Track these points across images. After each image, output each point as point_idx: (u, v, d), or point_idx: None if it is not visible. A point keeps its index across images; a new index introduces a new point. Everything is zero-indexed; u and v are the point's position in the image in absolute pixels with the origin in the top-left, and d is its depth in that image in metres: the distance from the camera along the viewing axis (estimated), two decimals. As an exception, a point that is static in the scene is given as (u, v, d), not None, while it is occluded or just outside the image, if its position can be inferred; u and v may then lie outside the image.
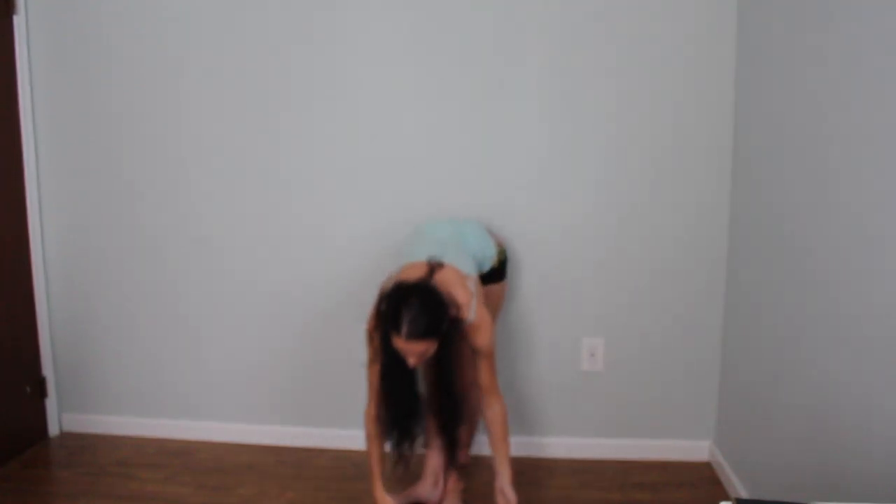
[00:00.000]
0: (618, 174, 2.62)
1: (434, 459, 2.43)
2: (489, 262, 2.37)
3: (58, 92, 2.79)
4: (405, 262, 2.17)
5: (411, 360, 1.97)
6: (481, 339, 2.09)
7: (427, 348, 1.95)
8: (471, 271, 2.18)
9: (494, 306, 2.40)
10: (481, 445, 2.77)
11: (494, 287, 2.39)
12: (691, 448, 2.73)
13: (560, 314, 2.71)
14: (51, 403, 2.92)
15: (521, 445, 2.76)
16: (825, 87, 1.82)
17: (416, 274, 2.05)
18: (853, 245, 1.67)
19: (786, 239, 2.07)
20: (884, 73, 1.53)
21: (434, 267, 2.09)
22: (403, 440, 2.15)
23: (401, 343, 1.93)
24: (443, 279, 2.05)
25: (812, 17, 1.91)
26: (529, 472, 2.64)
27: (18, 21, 2.70)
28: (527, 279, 2.69)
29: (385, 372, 2.06)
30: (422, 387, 2.21)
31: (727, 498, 2.42)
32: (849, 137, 1.69)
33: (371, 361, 2.12)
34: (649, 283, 2.66)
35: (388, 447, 2.18)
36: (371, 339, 2.10)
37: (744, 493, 2.35)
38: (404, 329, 1.90)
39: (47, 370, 2.90)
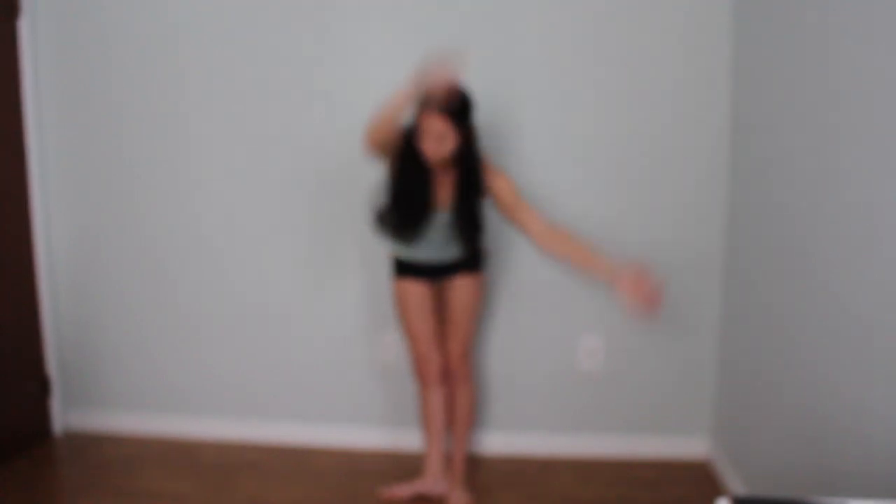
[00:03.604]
0: (617, 172, 2.64)
1: (434, 454, 2.46)
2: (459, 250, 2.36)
3: (62, 94, 2.81)
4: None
5: (429, 143, 2.06)
6: (503, 182, 2.20)
7: (448, 134, 2.05)
8: None
9: (470, 303, 2.38)
10: (481, 445, 2.79)
11: (467, 281, 2.36)
12: (689, 446, 2.75)
13: (559, 313, 2.72)
14: (55, 402, 2.94)
15: (520, 444, 2.78)
16: (823, 85, 1.84)
17: None
18: (850, 243, 1.68)
19: (784, 238, 2.08)
20: (882, 73, 1.54)
21: None
22: (408, 231, 2.23)
23: (429, 118, 2.04)
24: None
25: (810, 17, 1.92)
26: (528, 470, 2.66)
27: (23, 24, 2.73)
28: (526, 278, 2.71)
29: (400, 166, 2.17)
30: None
31: (725, 495, 2.43)
32: (847, 136, 1.71)
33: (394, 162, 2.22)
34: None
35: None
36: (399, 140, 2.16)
37: (741, 491, 2.36)
38: (436, 103, 2.01)
39: (51, 369, 2.92)
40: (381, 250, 2.65)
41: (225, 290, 2.84)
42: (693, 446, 2.75)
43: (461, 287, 2.36)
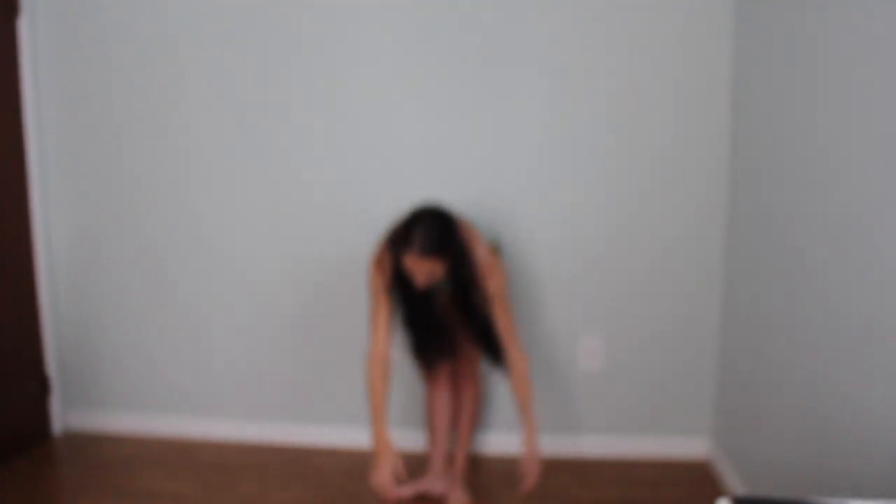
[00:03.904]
0: (616, 173, 2.64)
1: (437, 454, 2.46)
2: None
3: (62, 94, 2.82)
4: None
5: (419, 279, 2.00)
6: (494, 280, 2.12)
7: (435, 268, 1.98)
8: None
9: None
10: (482, 445, 2.79)
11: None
12: (689, 446, 2.75)
13: (559, 313, 2.73)
14: (55, 402, 2.95)
15: (520, 443, 2.78)
16: (822, 91, 1.84)
17: None
18: (850, 243, 1.68)
19: (784, 238, 2.09)
20: (881, 76, 1.55)
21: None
22: (430, 355, 2.23)
23: (410, 259, 1.96)
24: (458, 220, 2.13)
25: (810, 25, 1.92)
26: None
27: (23, 24, 2.73)
28: (526, 278, 2.71)
29: (403, 299, 2.13)
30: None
31: (725, 495, 2.43)
32: (846, 137, 1.71)
33: (376, 302, 2.15)
34: (648, 282, 2.68)
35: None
36: (375, 279, 2.13)
37: (741, 491, 2.36)
38: (416, 243, 1.94)
39: (51, 368, 2.93)
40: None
41: (225, 290, 2.84)
42: (693, 446, 2.75)
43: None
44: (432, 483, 2.45)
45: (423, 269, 1.99)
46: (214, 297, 2.85)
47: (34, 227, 2.83)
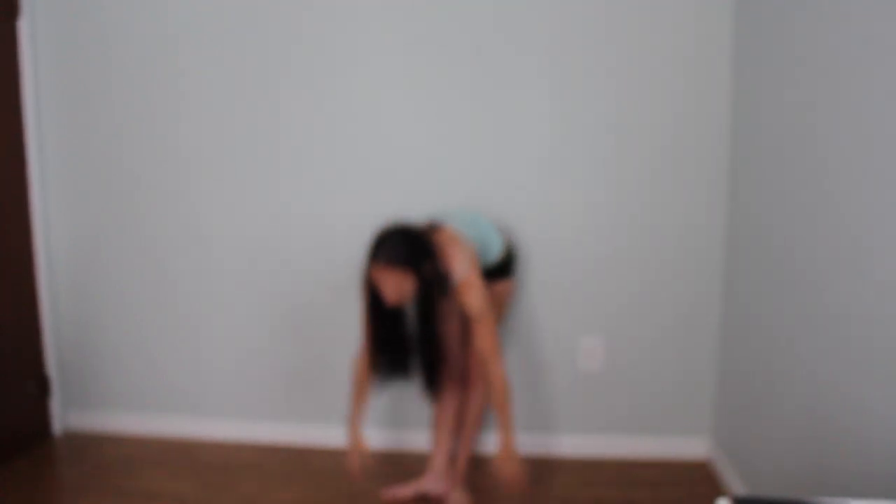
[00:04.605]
0: (617, 174, 2.64)
1: (440, 453, 2.46)
2: (494, 253, 2.35)
3: (62, 94, 2.82)
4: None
5: (387, 293, 2.00)
6: (470, 298, 2.09)
7: (401, 282, 1.99)
8: (472, 243, 2.21)
9: (501, 305, 2.41)
10: (483, 445, 2.79)
11: (500, 285, 2.39)
12: (689, 446, 2.75)
13: (560, 314, 2.73)
14: (55, 402, 2.95)
15: (521, 443, 2.78)
16: (822, 87, 1.84)
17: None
18: (849, 246, 1.69)
19: (784, 240, 2.09)
20: (881, 76, 1.55)
21: (432, 226, 2.18)
22: (395, 375, 2.21)
23: (376, 271, 2.00)
24: (438, 237, 2.11)
25: (810, 30, 1.92)
26: (530, 469, 2.66)
27: (23, 24, 2.73)
28: (527, 279, 2.71)
29: (371, 314, 2.13)
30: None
31: (725, 495, 2.43)
32: (844, 142, 1.71)
33: (365, 311, 2.18)
34: (648, 283, 2.68)
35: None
36: (363, 291, 2.14)
37: (741, 491, 2.36)
38: (381, 256, 1.97)
39: (51, 369, 2.93)
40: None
41: (225, 289, 2.84)
42: (693, 446, 2.75)
43: (492, 292, 2.33)
44: (432, 483, 2.45)
45: (390, 283, 1.99)
46: (214, 297, 2.85)
47: (34, 227, 2.83)
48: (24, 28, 2.73)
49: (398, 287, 2.01)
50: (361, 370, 2.26)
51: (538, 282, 2.71)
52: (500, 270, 2.38)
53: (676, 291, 2.68)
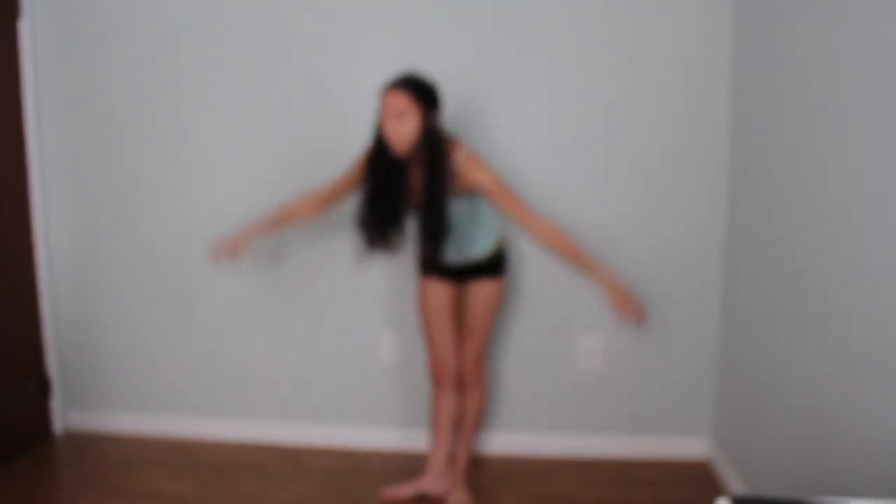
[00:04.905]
0: (616, 173, 2.64)
1: (438, 453, 2.46)
2: (483, 244, 2.30)
3: (62, 94, 2.82)
4: None
5: (389, 123, 2.04)
6: (481, 174, 2.13)
7: (407, 111, 2.03)
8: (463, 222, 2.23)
9: (489, 309, 2.36)
10: (483, 445, 2.79)
11: (488, 285, 2.34)
12: (689, 446, 2.75)
13: (559, 313, 2.73)
14: (55, 402, 2.95)
15: (520, 444, 2.78)
16: (822, 87, 1.84)
17: None
18: (850, 243, 1.69)
19: (784, 238, 2.09)
20: (880, 75, 1.55)
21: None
22: (377, 239, 2.21)
23: (386, 94, 2.04)
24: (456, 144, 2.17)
25: (810, 24, 1.92)
26: (528, 470, 2.66)
27: (23, 24, 2.73)
28: (527, 277, 2.71)
29: (371, 164, 2.16)
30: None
31: (725, 495, 2.43)
32: (844, 141, 1.71)
33: (351, 168, 2.28)
34: (648, 282, 2.68)
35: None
36: (357, 159, 2.26)
37: (741, 491, 2.36)
38: (395, 80, 2.06)
39: (51, 369, 2.93)
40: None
41: (225, 289, 2.84)
42: (693, 446, 2.75)
43: (479, 291, 2.33)
44: (432, 483, 2.45)
45: (396, 107, 2.02)
46: (214, 296, 2.85)
47: (34, 227, 2.83)
48: (25, 28, 2.73)
49: (401, 118, 2.03)
50: (304, 197, 2.35)
51: (538, 281, 2.71)
52: (490, 268, 2.34)
53: (676, 291, 2.68)
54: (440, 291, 2.36)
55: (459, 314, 2.40)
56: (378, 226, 2.20)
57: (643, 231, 2.65)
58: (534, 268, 2.70)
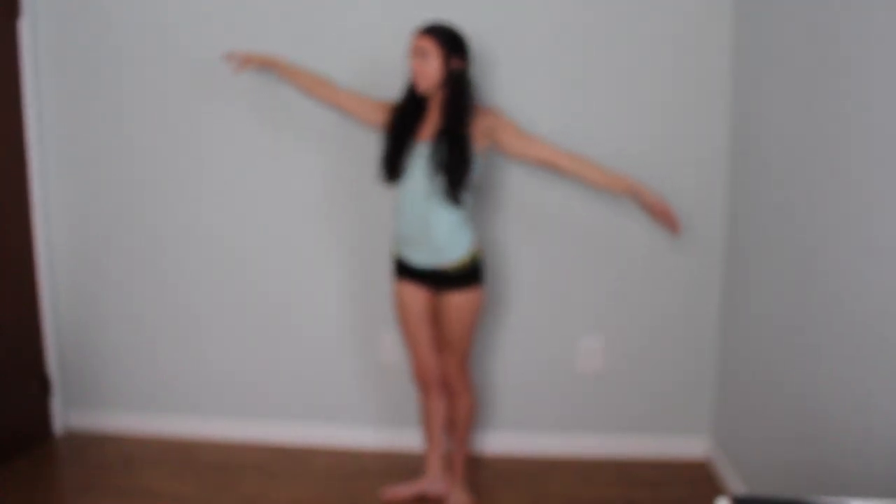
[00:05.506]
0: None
1: (433, 455, 2.46)
2: (454, 251, 2.24)
3: (62, 94, 2.82)
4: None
5: (414, 61, 2.18)
6: (503, 118, 2.27)
7: (429, 49, 2.16)
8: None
9: (463, 321, 2.28)
10: (482, 445, 2.79)
11: (462, 297, 2.26)
12: (689, 446, 2.75)
13: (559, 313, 2.73)
14: (56, 402, 2.95)
15: (520, 444, 2.78)
16: (824, 87, 1.84)
17: None
18: (850, 243, 1.69)
19: (784, 238, 2.09)
20: (881, 75, 1.55)
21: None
22: (391, 166, 2.28)
23: (413, 38, 2.20)
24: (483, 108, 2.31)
25: (811, 19, 1.92)
26: (528, 470, 2.66)
27: (23, 24, 2.73)
28: (525, 278, 2.71)
29: (396, 109, 2.32)
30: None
31: (725, 495, 2.43)
32: (844, 142, 1.71)
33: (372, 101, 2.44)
34: (648, 282, 2.68)
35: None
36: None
37: (741, 490, 2.36)
38: (425, 26, 2.20)
39: (52, 368, 2.93)
40: (382, 250, 2.65)
41: (225, 289, 2.84)
42: (693, 446, 2.75)
43: (455, 304, 2.26)
44: (432, 483, 2.45)
45: (420, 47, 2.16)
46: (214, 297, 2.85)
47: (34, 227, 2.83)
48: (25, 28, 2.73)
49: (424, 57, 2.16)
50: (318, 79, 2.47)
51: (537, 281, 2.71)
52: (464, 278, 2.25)
53: (676, 291, 2.68)
54: (416, 297, 2.32)
55: (437, 322, 2.34)
56: (387, 153, 2.30)
57: (643, 230, 2.65)
58: (533, 268, 2.70)
